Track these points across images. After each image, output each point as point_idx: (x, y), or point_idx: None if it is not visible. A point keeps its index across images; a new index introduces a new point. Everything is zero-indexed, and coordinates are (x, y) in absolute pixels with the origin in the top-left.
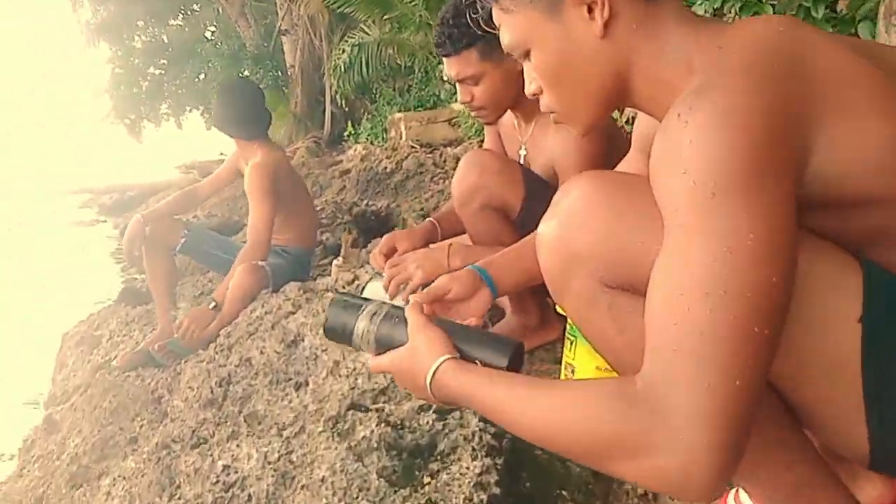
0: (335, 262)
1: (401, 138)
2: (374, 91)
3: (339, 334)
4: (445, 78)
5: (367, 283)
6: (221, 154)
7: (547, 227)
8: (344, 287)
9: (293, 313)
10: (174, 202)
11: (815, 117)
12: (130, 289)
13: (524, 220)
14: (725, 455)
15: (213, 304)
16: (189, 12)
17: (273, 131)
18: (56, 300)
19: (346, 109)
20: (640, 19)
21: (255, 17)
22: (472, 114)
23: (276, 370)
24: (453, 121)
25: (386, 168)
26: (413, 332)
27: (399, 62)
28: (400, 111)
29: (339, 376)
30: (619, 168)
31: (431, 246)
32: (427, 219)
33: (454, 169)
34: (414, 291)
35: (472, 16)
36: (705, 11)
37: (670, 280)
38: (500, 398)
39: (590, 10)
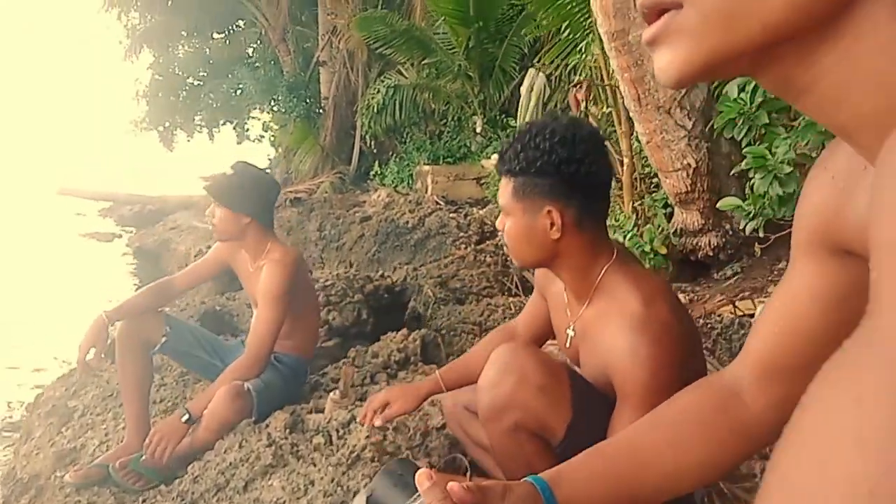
0: (332, 395)
1: (426, 191)
2: (405, 135)
3: None
4: (478, 130)
5: (357, 496)
6: None
7: None
8: (338, 431)
9: (272, 469)
10: (147, 296)
11: None
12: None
13: (566, 448)
14: None
15: (187, 415)
16: (233, 29)
17: (300, 163)
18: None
19: (375, 150)
20: None
21: (296, 44)
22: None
23: None
24: (482, 180)
25: (408, 223)
26: None
27: (433, 107)
28: (429, 158)
29: None
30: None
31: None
32: (436, 373)
33: (477, 234)
34: None
35: (539, 145)
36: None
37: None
38: None
39: None
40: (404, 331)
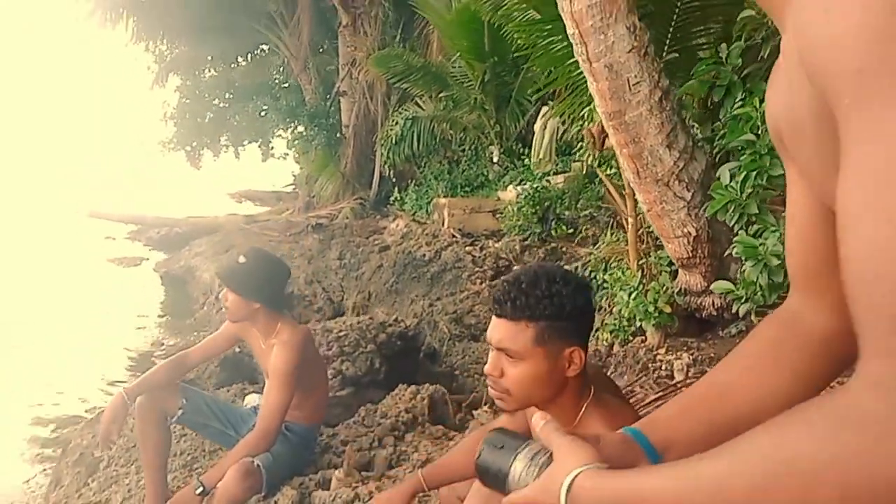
0: (336, 473)
1: (443, 224)
2: (423, 164)
3: (492, 477)
4: (495, 159)
5: None
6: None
7: None
8: None
9: None
10: (164, 371)
11: None
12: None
13: None
14: None
15: (201, 488)
16: (257, 55)
17: (321, 189)
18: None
19: (395, 178)
20: None
21: (318, 73)
22: (491, 392)
23: None
24: (497, 212)
25: (424, 255)
26: (554, 448)
27: (451, 137)
28: (447, 187)
29: None
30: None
31: None
32: (418, 472)
33: (492, 269)
34: None
35: (561, 290)
36: None
37: (872, 207)
38: (668, 484)
39: None
40: (413, 388)
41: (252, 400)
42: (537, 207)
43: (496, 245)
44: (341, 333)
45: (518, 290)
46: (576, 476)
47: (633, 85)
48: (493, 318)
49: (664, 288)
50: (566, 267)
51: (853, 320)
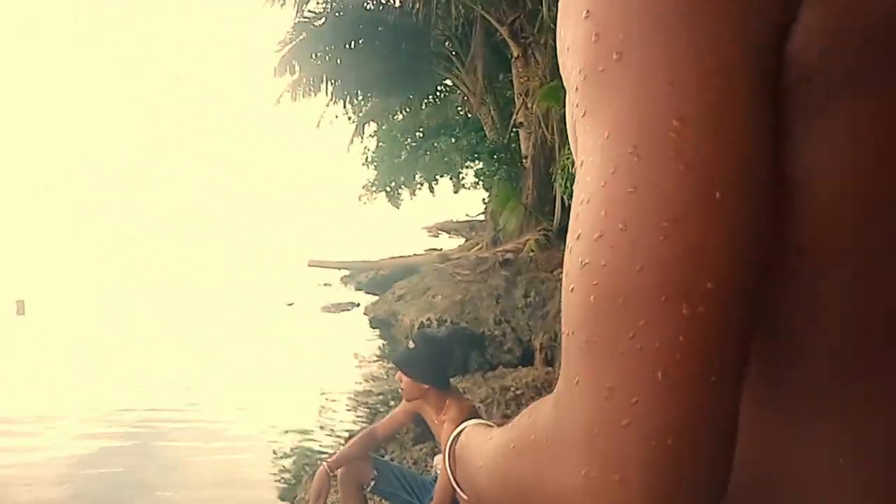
0: None
1: None
2: None
3: None
4: None
5: None
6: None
7: None
8: None
9: None
10: (356, 446)
11: None
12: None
13: None
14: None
15: None
16: (440, 94)
17: (505, 223)
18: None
19: None
20: None
21: (497, 105)
22: None
23: None
24: None
25: None
26: None
27: None
28: None
29: None
30: None
31: None
32: None
33: None
34: None
35: None
36: None
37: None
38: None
39: None
40: None
41: (439, 461)
42: None
43: None
44: (518, 391)
45: None
46: (462, 431)
47: None
48: None
49: None
50: None
51: None
